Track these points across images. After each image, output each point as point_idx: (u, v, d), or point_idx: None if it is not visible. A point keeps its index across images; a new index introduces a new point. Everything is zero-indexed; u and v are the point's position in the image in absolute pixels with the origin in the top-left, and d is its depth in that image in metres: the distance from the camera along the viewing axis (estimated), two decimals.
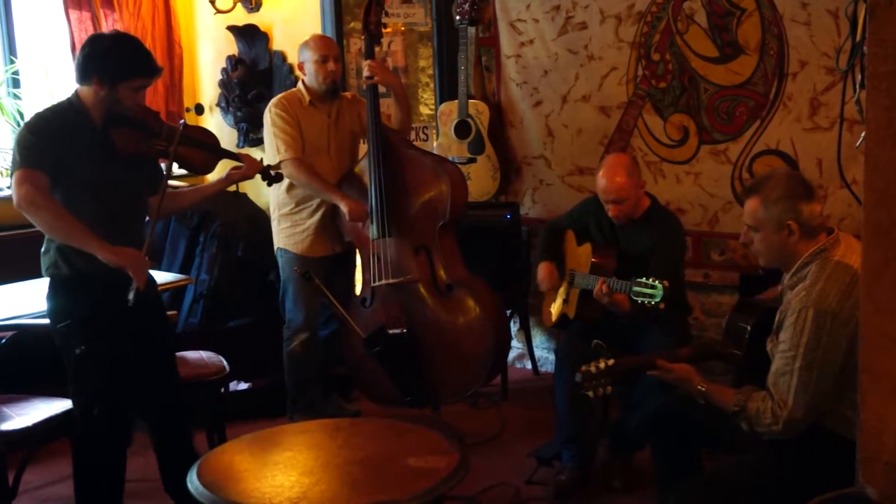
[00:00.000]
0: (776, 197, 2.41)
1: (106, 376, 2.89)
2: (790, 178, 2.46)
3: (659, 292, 2.95)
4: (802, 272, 2.41)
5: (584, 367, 2.59)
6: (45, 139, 2.77)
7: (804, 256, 2.41)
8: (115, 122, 2.86)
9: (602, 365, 2.59)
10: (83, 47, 2.86)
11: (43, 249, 2.92)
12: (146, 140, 2.93)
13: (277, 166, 3.54)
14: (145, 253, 2.87)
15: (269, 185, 3.45)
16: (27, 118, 4.78)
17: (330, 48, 3.90)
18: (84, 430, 2.98)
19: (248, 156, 3.28)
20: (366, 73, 3.82)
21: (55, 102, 2.93)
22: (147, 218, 3.11)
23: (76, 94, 2.88)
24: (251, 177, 3.26)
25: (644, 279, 3.01)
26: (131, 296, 2.76)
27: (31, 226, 4.46)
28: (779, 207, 2.40)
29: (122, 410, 2.97)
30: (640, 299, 3.01)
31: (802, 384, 2.29)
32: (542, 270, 3.62)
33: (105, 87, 2.80)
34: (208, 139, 3.20)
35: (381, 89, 3.92)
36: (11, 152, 2.82)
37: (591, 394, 2.58)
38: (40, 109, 2.94)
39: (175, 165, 3.07)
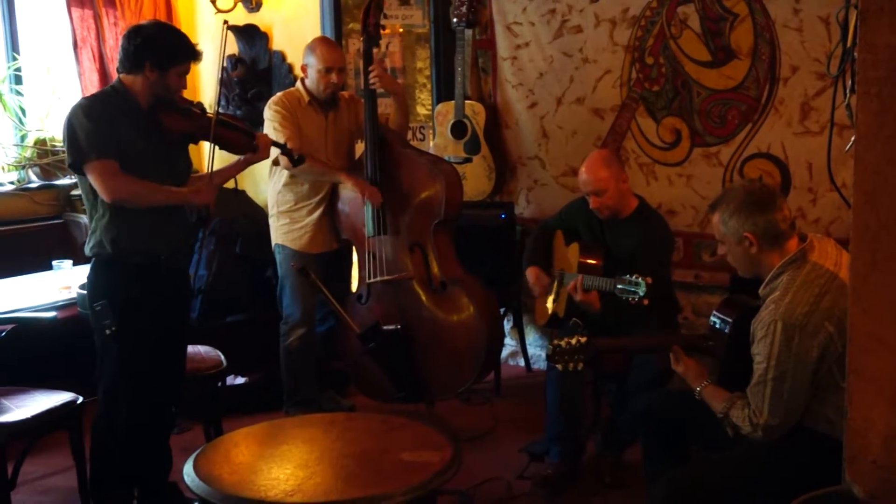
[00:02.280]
0: (731, 211, 2.49)
1: (130, 359, 2.96)
2: (745, 192, 2.52)
3: (642, 288, 3.01)
4: (775, 283, 2.46)
5: (555, 341, 2.75)
6: (104, 123, 2.84)
7: (776, 267, 2.47)
8: (163, 106, 2.97)
9: (574, 341, 2.73)
10: (130, 38, 2.91)
11: (90, 229, 2.98)
12: (191, 121, 3.04)
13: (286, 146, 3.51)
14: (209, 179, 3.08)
15: (294, 164, 3.49)
16: (28, 114, 4.87)
17: (336, 61, 3.88)
18: (105, 412, 3.02)
19: (262, 135, 3.33)
20: (370, 80, 3.85)
21: (97, 91, 3.00)
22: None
23: (119, 81, 2.95)
24: (266, 156, 3.32)
25: (628, 276, 3.06)
26: (194, 218, 3.01)
27: (30, 220, 4.57)
28: (735, 221, 2.48)
29: (143, 396, 3.01)
30: (624, 296, 3.06)
31: (776, 394, 2.35)
32: (531, 276, 3.67)
33: (156, 72, 2.89)
34: (241, 122, 3.34)
35: (381, 90, 3.96)
36: (67, 143, 2.86)
37: (560, 367, 2.74)
38: (82, 98, 3.03)
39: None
